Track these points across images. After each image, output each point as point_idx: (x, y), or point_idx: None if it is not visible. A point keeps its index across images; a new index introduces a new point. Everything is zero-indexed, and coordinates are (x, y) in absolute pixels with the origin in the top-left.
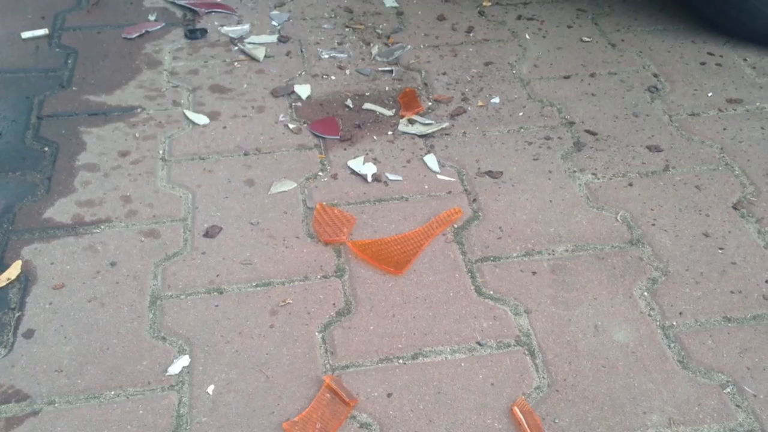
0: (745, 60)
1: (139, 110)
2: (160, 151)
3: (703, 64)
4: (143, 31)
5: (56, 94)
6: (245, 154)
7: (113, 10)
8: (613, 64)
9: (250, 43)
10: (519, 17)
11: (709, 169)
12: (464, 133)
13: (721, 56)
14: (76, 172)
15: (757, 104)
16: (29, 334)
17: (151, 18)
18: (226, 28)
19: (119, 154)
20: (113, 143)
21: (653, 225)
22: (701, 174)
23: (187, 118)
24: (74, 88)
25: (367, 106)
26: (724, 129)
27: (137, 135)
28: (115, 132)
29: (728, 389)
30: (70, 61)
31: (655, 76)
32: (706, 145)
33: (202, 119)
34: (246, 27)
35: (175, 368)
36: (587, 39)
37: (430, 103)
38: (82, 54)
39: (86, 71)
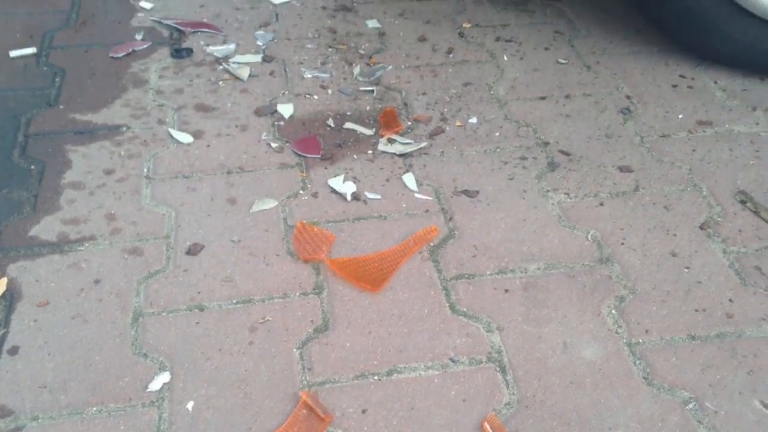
0: (715, 83)
1: (124, 129)
2: (145, 170)
3: (675, 86)
4: (130, 50)
5: (43, 112)
6: (228, 173)
7: (101, 29)
8: (587, 86)
9: (234, 62)
10: (497, 39)
11: (678, 189)
12: (442, 152)
13: (693, 79)
14: (61, 190)
15: (726, 126)
16: (14, 351)
17: (138, 37)
18: (211, 48)
19: (104, 172)
20: (99, 161)
21: (622, 244)
22: (670, 194)
23: (172, 136)
24: (61, 107)
25: (348, 125)
26: (694, 150)
27: (122, 153)
28: (100, 150)
29: (690, 405)
30: (57, 80)
31: (628, 98)
32: (675, 167)
33: (186, 138)
34: (231, 46)
35: (155, 385)
36: (563, 61)
37: (409, 123)
38: (70, 73)
39: (73, 90)
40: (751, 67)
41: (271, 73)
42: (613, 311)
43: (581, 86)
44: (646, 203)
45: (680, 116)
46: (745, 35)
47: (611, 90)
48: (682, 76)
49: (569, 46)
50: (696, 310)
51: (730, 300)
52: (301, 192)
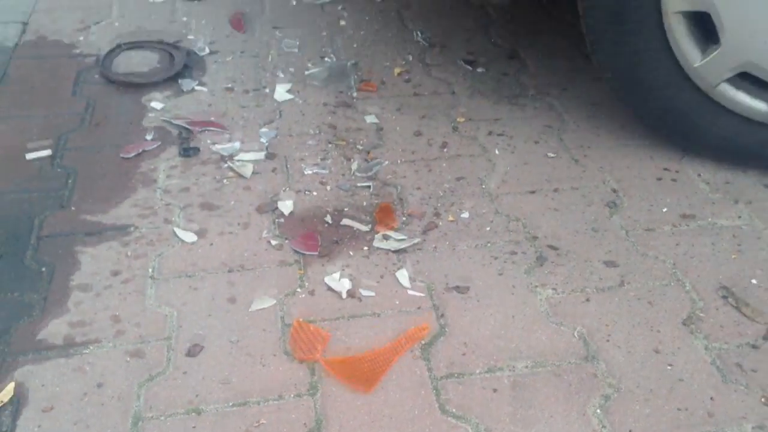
0: (699, 175)
1: (132, 229)
2: (150, 270)
3: (659, 179)
4: (140, 150)
5: (55, 213)
6: (229, 271)
7: (113, 130)
8: (575, 180)
9: (239, 160)
10: (490, 133)
11: (662, 284)
12: (435, 248)
13: (677, 171)
14: (70, 292)
15: (709, 220)
16: None
17: (148, 137)
18: (217, 146)
19: (111, 273)
20: (106, 262)
21: (608, 341)
22: (654, 290)
23: (177, 236)
24: (73, 208)
25: (345, 221)
26: (677, 245)
27: (129, 254)
28: (108, 251)
29: None
30: (70, 182)
31: (614, 191)
32: (659, 261)
33: (190, 237)
34: (236, 144)
35: None
36: (552, 155)
37: (404, 218)
38: (82, 173)
39: (85, 191)
40: (733, 160)
41: (273, 170)
42: (598, 410)
43: (569, 180)
44: (631, 299)
45: (664, 210)
46: (726, 131)
47: (598, 183)
48: (666, 169)
49: (558, 139)
50: (678, 409)
51: (712, 398)
52: (298, 290)
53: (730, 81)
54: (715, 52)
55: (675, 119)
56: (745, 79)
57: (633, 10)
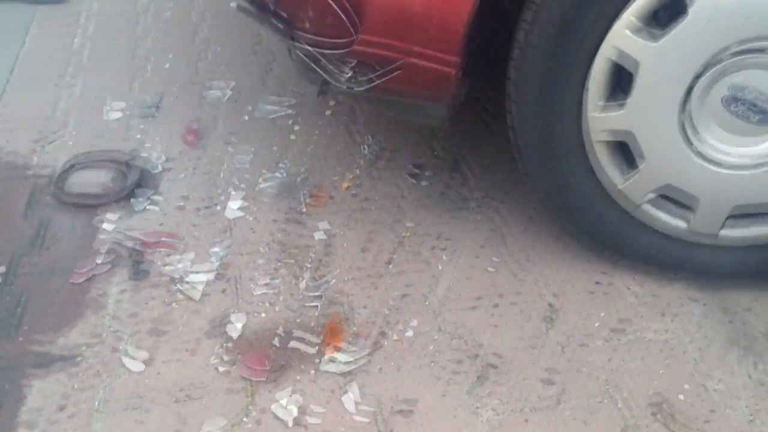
0: (628, 288)
1: (79, 359)
2: (96, 403)
3: (592, 293)
4: (91, 274)
5: (3, 343)
6: (176, 401)
7: (65, 252)
8: (514, 294)
9: (189, 281)
10: (433, 247)
11: (596, 402)
12: (380, 369)
13: (609, 284)
14: (14, 431)
15: (638, 334)
16: None
17: (99, 260)
18: (168, 267)
19: (58, 407)
20: (53, 396)
21: None
22: (588, 407)
23: (124, 365)
24: (20, 339)
25: (293, 344)
26: (609, 360)
27: (76, 386)
28: (55, 384)
29: None
30: (19, 309)
31: (551, 305)
32: (593, 377)
33: (137, 366)
34: (187, 264)
35: None
36: (492, 269)
37: (350, 338)
38: (32, 299)
39: (34, 318)
40: (660, 272)
41: (223, 291)
42: None
43: (508, 294)
44: (567, 417)
45: (597, 324)
46: (650, 247)
47: (535, 297)
48: (598, 283)
49: (498, 251)
50: None
51: None
52: (245, 419)
53: (652, 201)
54: (635, 176)
55: (603, 236)
56: (666, 200)
57: (558, 138)
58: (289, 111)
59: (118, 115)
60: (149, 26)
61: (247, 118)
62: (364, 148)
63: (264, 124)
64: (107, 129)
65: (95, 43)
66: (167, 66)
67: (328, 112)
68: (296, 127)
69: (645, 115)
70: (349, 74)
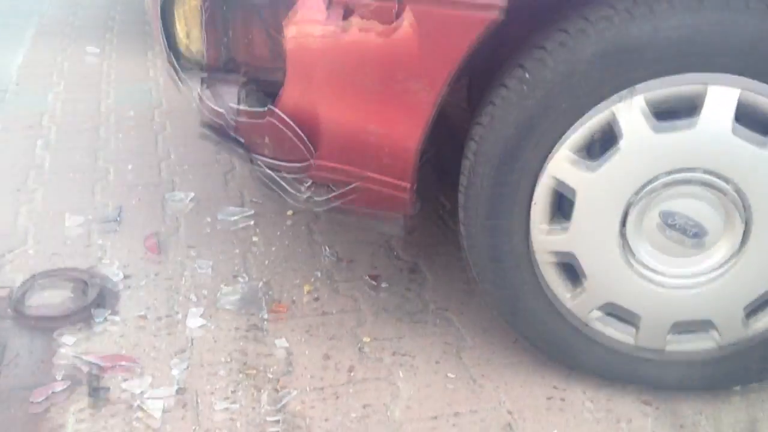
0: (584, 393)
1: None
2: None
3: (549, 398)
4: (50, 393)
5: None
6: None
7: (24, 370)
8: (473, 402)
9: (149, 398)
10: (394, 353)
11: None
12: None
13: (565, 389)
14: None
15: None
16: None
17: (58, 377)
18: (127, 384)
19: None
20: None
21: None
22: None
23: None
24: None
25: None
26: None
27: None
28: None
29: None
30: None
31: (510, 413)
32: None
33: None
34: (147, 380)
35: None
36: (452, 375)
37: None
38: None
39: None
40: (613, 380)
41: (184, 406)
42: None
43: (468, 402)
44: None
45: None
46: (601, 359)
47: (495, 405)
48: (555, 387)
49: (458, 358)
50: None
51: None
52: None
53: (599, 318)
54: (582, 293)
55: (556, 349)
56: (612, 316)
57: (507, 256)
58: (251, 213)
59: (79, 225)
60: (112, 128)
61: (209, 220)
62: (324, 249)
63: (226, 229)
64: (68, 241)
65: (58, 148)
66: (130, 167)
67: (289, 212)
68: (258, 229)
69: (585, 239)
70: (307, 193)
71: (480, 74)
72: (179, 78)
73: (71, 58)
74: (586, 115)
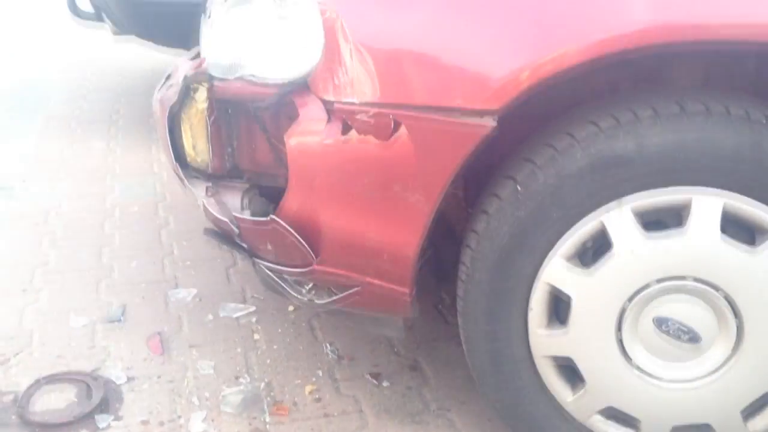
0: None
1: None
2: None
3: None
4: None
5: None
6: None
7: None
8: None
9: None
10: None
11: None
12: None
13: None
14: None
15: None
16: None
17: None
18: None
19: None
20: None
21: None
22: None
23: None
24: None
25: None
26: None
27: None
28: None
29: None
30: None
31: None
32: None
33: None
34: None
35: None
36: None
37: None
38: None
39: None
40: None
41: None
42: None
43: None
44: None
45: None
46: None
47: None
48: None
49: None
50: None
51: None
52: None
53: (601, 420)
54: (582, 397)
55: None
56: (614, 419)
57: (507, 358)
58: (253, 309)
59: (84, 326)
60: (117, 223)
61: (211, 317)
62: (326, 347)
63: (228, 324)
64: (72, 342)
65: (63, 245)
66: (134, 265)
67: (290, 308)
68: (259, 326)
69: (582, 344)
70: (308, 295)
71: (475, 173)
72: (184, 186)
73: (77, 153)
74: (577, 225)
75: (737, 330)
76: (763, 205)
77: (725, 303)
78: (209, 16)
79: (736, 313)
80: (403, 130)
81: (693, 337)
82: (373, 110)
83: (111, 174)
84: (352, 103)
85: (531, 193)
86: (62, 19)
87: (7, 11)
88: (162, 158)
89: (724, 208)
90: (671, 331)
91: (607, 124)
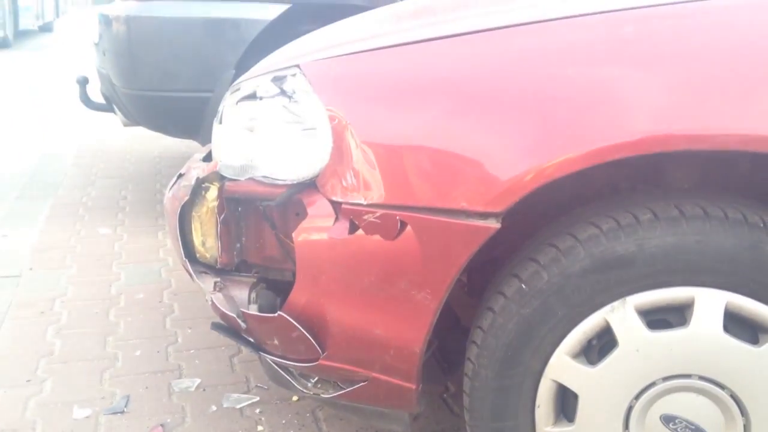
0: None
1: None
2: None
3: None
4: None
5: None
6: None
7: None
8: None
9: None
10: None
11: None
12: None
13: None
14: None
15: None
16: None
17: None
18: None
19: None
20: None
21: None
22: None
23: None
24: None
25: None
26: None
27: None
28: None
29: None
30: None
31: None
32: None
33: None
34: None
35: None
36: None
37: None
38: None
39: None
40: None
41: None
42: None
43: None
44: None
45: None
46: None
47: None
48: None
49: None
50: None
51: None
52: None
53: None
54: None
55: None
56: None
57: None
58: (256, 399)
59: (87, 417)
60: (122, 310)
61: (214, 408)
62: None
63: (231, 416)
64: (76, 428)
65: (68, 334)
66: (138, 353)
67: (294, 398)
68: (263, 417)
69: None
70: (315, 387)
71: (479, 263)
72: (193, 280)
73: (84, 239)
74: (582, 323)
75: (744, 428)
76: (765, 305)
77: (731, 401)
78: (221, 121)
79: (743, 411)
80: (409, 229)
81: None
82: (380, 211)
83: (117, 260)
84: (359, 204)
85: (535, 291)
86: (77, 102)
87: (26, 93)
88: (167, 244)
89: (726, 307)
90: (679, 429)
91: (608, 225)
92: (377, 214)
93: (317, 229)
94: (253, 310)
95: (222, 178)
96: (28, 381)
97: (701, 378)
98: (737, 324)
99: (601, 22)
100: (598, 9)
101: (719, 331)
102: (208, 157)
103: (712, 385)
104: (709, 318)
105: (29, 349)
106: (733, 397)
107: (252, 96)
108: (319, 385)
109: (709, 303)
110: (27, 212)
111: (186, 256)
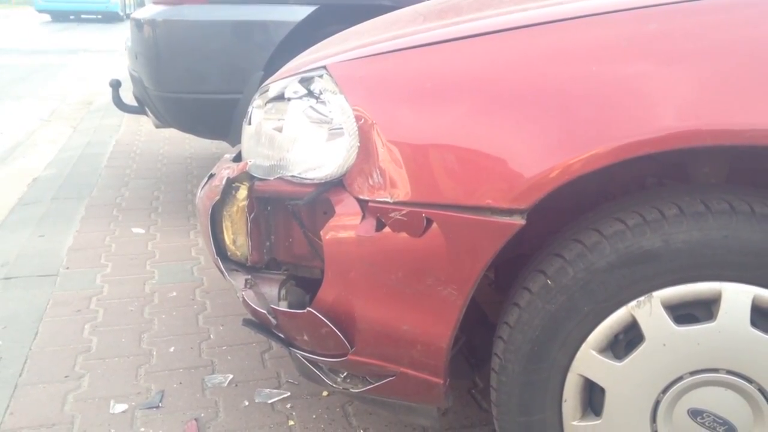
0: None
1: None
2: None
3: None
4: None
5: None
6: None
7: None
8: None
9: None
10: None
11: None
12: None
13: None
14: None
15: None
16: None
17: None
18: None
19: None
20: None
21: None
22: None
23: None
24: None
25: None
26: None
27: None
28: None
29: None
30: None
31: None
32: None
33: None
34: None
35: None
36: None
37: None
38: None
39: None
40: None
41: None
42: None
43: None
44: None
45: None
46: None
47: None
48: None
49: None
50: None
51: None
52: None
53: None
54: None
55: None
56: None
57: None
58: (287, 394)
59: (123, 412)
60: (156, 308)
61: (246, 403)
62: None
63: (263, 410)
64: (112, 426)
65: (104, 331)
66: (172, 350)
67: (324, 393)
68: (294, 412)
69: None
70: (344, 382)
71: (505, 258)
72: (225, 278)
73: (118, 239)
74: (609, 318)
75: None
76: None
77: (759, 395)
78: (250, 122)
79: None
80: (435, 227)
81: (729, 429)
82: (406, 209)
83: (151, 259)
84: (386, 202)
85: (561, 287)
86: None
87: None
88: (199, 243)
89: (753, 301)
90: (707, 423)
91: (634, 221)
92: (403, 212)
93: (345, 227)
94: (283, 306)
95: (252, 178)
96: (67, 377)
97: (729, 372)
98: (765, 318)
99: (627, 19)
100: (623, 6)
101: (746, 326)
102: (238, 158)
103: (740, 380)
104: (736, 312)
105: (67, 346)
106: (761, 390)
107: (280, 97)
108: (348, 380)
109: (736, 297)
110: (63, 213)
111: (218, 254)
